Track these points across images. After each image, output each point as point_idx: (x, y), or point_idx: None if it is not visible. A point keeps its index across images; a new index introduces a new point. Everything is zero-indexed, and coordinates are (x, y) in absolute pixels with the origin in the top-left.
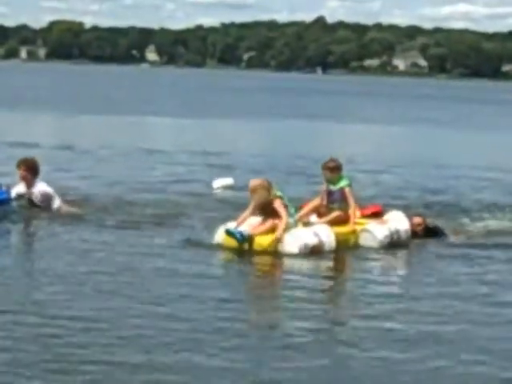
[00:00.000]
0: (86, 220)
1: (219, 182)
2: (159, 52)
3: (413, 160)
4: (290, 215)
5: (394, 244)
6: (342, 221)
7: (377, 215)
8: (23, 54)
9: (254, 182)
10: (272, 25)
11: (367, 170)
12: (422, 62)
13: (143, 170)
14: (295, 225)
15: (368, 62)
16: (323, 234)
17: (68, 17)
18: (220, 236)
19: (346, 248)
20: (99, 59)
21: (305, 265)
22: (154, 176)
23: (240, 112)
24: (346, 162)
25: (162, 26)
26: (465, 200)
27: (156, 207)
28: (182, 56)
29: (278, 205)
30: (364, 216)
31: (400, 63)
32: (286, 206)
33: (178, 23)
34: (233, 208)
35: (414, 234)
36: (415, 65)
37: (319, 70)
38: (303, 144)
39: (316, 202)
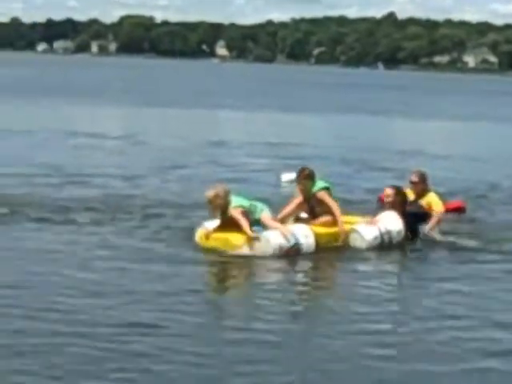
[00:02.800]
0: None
1: (288, 176)
2: (229, 47)
3: (489, 155)
4: (255, 213)
5: (385, 246)
6: (332, 223)
7: (459, 211)
8: (94, 48)
9: (210, 192)
10: (342, 20)
11: (444, 167)
12: (493, 59)
13: (212, 164)
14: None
15: (438, 59)
16: (301, 234)
17: (138, 11)
18: (198, 236)
19: (334, 249)
20: (169, 54)
21: (280, 266)
22: (225, 168)
23: (311, 106)
24: (418, 156)
25: (232, 21)
26: None
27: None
28: (251, 51)
29: (235, 214)
30: (447, 210)
31: (470, 60)
32: (244, 213)
33: (248, 18)
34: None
35: (382, 206)
36: (485, 61)
37: (381, 66)
38: (373, 138)
39: (292, 207)
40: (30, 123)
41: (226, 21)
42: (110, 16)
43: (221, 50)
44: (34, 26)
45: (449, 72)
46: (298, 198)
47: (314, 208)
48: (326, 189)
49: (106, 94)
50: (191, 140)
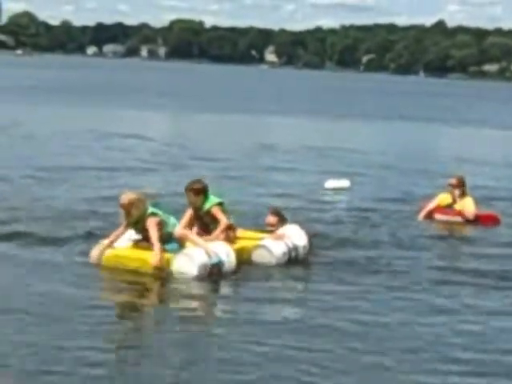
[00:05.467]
0: None
1: (332, 183)
2: (278, 53)
3: None
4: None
5: (292, 261)
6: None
7: (492, 221)
8: (144, 52)
9: (125, 197)
10: (391, 28)
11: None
12: None
13: (261, 169)
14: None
15: (487, 67)
16: (223, 252)
17: (188, 16)
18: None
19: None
20: (218, 59)
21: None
22: (271, 173)
23: (361, 113)
24: (468, 163)
25: (282, 27)
26: None
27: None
28: (300, 57)
29: (149, 223)
30: (478, 218)
31: None
32: (160, 224)
33: (298, 24)
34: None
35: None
36: None
37: (421, 73)
38: (420, 145)
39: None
40: (70, 125)
41: (275, 26)
42: (160, 20)
43: (270, 55)
44: (84, 29)
45: (498, 81)
46: (189, 213)
47: (208, 224)
48: (220, 204)
49: (153, 98)
50: (239, 145)
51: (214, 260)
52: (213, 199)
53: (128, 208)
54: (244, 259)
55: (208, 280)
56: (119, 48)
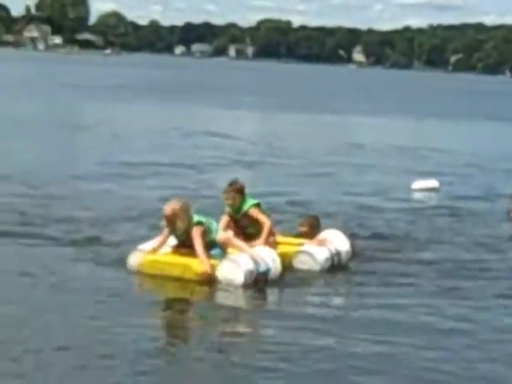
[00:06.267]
0: None
1: (420, 184)
2: (366, 53)
3: None
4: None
5: (334, 267)
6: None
7: None
8: (231, 52)
9: (168, 207)
10: (480, 27)
11: None
12: None
13: (348, 168)
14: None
15: None
16: (269, 258)
17: (276, 16)
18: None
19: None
20: (306, 58)
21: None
22: (356, 174)
23: (451, 113)
24: None
25: (370, 27)
26: None
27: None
28: (388, 57)
29: (194, 234)
30: None
31: None
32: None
33: (386, 24)
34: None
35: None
36: None
37: (508, 73)
38: (508, 144)
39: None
40: (157, 123)
41: (363, 26)
42: (248, 20)
43: (358, 55)
44: (172, 29)
45: None
46: (226, 218)
47: (245, 227)
48: (257, 205)
49: (240, 97)
50: (326, 144)
51: (262, 268)
52: (250, 200)
53: (172, 219)
54: (285, 265)
55: (253, 288)
56: (207, 48)
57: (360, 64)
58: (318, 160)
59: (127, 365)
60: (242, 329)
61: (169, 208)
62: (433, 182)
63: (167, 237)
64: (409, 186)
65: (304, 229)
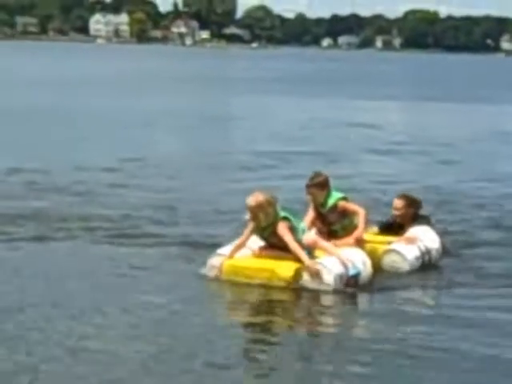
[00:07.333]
0: None
1: None
2: None
3: None
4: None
5: (425, 266)
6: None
7: None
8: (378, 43)
9: (252, 199)
10: None
11: None
12: None
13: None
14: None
15: None
16: (359, 261)
17: (423, 6)
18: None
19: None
20: (453, 48)
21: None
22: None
23: None
24: None
25: None
26: None
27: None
28: None
29: (281, 229)
30: None
31: None
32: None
33: None
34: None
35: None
36: None
37: None
38: None
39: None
40: (302, 114)
41: (511, 14)
42: (395, 11)
43: (506, 44)
44: (318, 21)
45: None
46: (311, 214)
47: (331, 224)
48: (345, 199)
49: (387, 88)
50: (470, 134)
51: (352, 272)
52: (336, 194)
53: (256, 211)
54: (373, 264)
55: (343, 292)
56: (354, 39)
57: (508, 53)
58: (457, 148)
59: (206, 367)
60: (332, 331)
61: (253, 199)
62: None
63: (251, 233)
64: None
65: (399, 204)
